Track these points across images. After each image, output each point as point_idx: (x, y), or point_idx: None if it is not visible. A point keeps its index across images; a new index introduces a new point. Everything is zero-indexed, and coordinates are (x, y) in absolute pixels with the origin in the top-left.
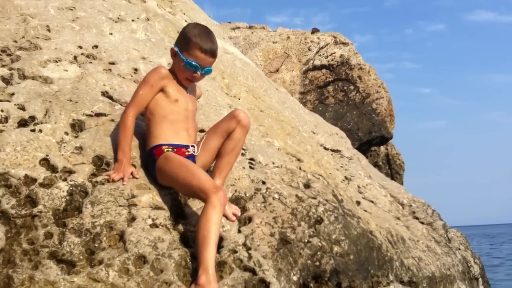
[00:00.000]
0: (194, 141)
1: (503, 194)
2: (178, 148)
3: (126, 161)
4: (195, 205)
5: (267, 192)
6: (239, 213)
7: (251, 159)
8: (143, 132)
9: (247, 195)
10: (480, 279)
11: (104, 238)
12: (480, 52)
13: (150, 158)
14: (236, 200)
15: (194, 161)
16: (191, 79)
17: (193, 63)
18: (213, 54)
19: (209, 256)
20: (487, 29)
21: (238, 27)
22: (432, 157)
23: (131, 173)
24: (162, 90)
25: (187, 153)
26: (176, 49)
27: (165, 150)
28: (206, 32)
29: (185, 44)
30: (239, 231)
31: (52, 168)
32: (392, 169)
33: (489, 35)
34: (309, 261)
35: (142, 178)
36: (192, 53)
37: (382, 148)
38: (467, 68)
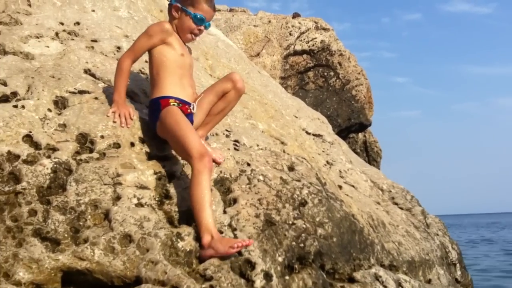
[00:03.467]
0: (194, 99)
1: (474, 184)
2: (184, 104)
3: (122, 101)
4: (180, 185)
5: (252, 174)
6: (223, 158)
7: (236, 141)
8: None
9: (232, 176)
10: (457, 265)
11: (89, 216)
12: (455, 43)
13: (154, 107)
14: (221, 181)
15: (192, 120)
16: (196, 34)
17: (202, 17)
18: (214, 8)
19: (207, 217)
20: (462, 20)
21: (219, 10)
22: (407, 146)
23: (129, 113)
24: (165, 43)
25: (189, 111)
26: (179, 5)
27: (172, 103)
28: None
29: None
30: (225, 212)
31: (36, 145)
32: (369, 156)
33: (464, 26)
34: (293, 243)
35: (127, 157)
36: (198, 6)
37: (360, 135)
38: (442, 58)
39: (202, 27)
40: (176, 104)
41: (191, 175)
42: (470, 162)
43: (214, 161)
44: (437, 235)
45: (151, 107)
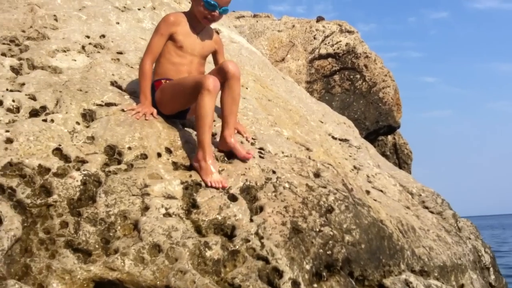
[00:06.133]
0: None
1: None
2: None
3: (148, 103)
4: (207, 194)
5: (278, 182)
6: (252, 153)
7: (261, 148)
8: None
9: (258, 184)
10: (491, 269)
11: (119, 227)
12: (484, 40)
13: (152, 91)
14: (247, 190)
15: (188, 110)
16: (211, 18)
17: (212, 2)
18: None
19: (205, 136)
20: (490, 17)
21: (243, 16)
22: (439, 147)
23: (152, 114)
24: (171, 36)
25: None
26: None
27: (164, 82)
28: None
29: None
30: (251, 220)
31: (65, 158)
32: (400, 158)
33: (493, 23)
34: (321, 250)
35: (154, 168)
36: None
37: (390, 137)
38: (471, 57)
39: (215, 13)
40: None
41: (199, 94)
42: (504, 162)
43: (244, 157)
44: (469, 238)
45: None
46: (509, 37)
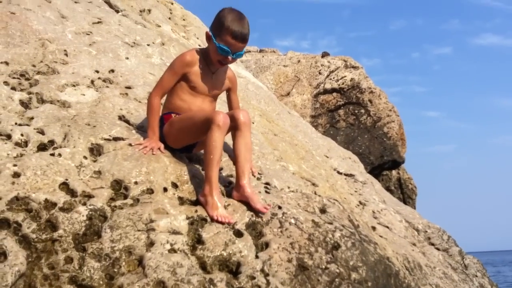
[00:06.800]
0: None
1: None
2: None
3: (156, 138)
4: (212, 229)
5: (284, 217)
6: (269, 208)
7: (267, 183)
8: None
9: (264, 220)
10: None
11: (123, 263)
12: (487, 76)
13: (160, 123)
14: (252, 225)
15: (195, 144)
16: (224, 62)
17: (225, 48)
18: (243, 39)
19: (213, 171)
20: (493, 53)
21: (249, 51)
22: (443, 181)
23: (159, 148)
24: (184, 75)
25: None
26: (210, 33)
27: (173, 116)
28: (238, 18)
29: (218, 29)
30: (257, 257)
31: (72, 192)
32: (404, 193)
33: (495, 59)
34: None
35: (160, 203)
36: (223, 38)
37: (394, 172)
38: (474, 92)
39: (228, 58)
40: None
41: (209, 130)
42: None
43: (259, 210)
44: (476, 276)
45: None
46: (511, 73)
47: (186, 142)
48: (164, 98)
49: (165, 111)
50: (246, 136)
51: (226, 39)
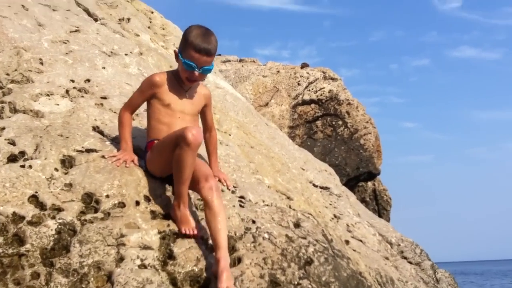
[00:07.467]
0: None
1: (489, 229)
2: None
3: (129, 149)
4: (184, 244)
5: (257, 232)
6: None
7: (241, 197)
8: None
9: (237, 234)
10: None
11: (92, 278)
12: (464, 88)
13: (145, 151)
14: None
15: None
16: (191, 78)
17: (189, 63)
18: (207, 53)
19: (182, 187)
20: (470, 65)
21: (229, 60)
22: (418, 192)
23: (132, 161)
24: (154, 96)
25: None
26: (177, 51)
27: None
28: (202, 33)
29: (183, 45)
30: None
31: (41, 206)
32: (379, 204)
33: (472, 71)
34: None
35: (131, 217)
36: (188, 53)
37: (370, 183)
38: (451, 103)
39: (195, 73)
40: None
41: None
42: (483, 207)
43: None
44: None
45: (144, 156)
46: (487, 86)
47: (167, 169)
48: (149, 128)
49: (148, 139)
50: (213, 207)
51: (190, 54)
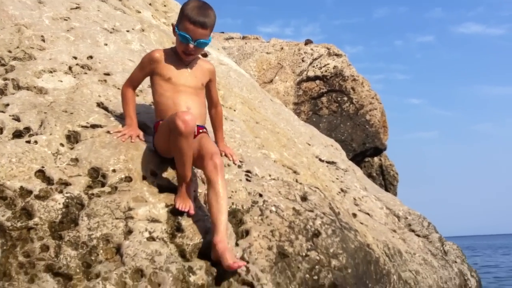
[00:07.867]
0: (196, 118)
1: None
2: None
3: (134, 125)
4: (192, 217)
5: (264, 205)
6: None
7: (248, 171)
8: None
9: (244, 207)
10: None
11: (101, 251)
12: (469, 64)
13: (154, 132)
14: (233, 213)
15: None
16: (187, 51)
17: (184, 35)
18: (202, 25)
19: (184, 171)
20: (475, 41)
21: (232, 38)
22: (425, 167)
23: (138, 136)
24: (155, 71)
25: None
26: (174, 24)
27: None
28: (199, 6)
29: (179, 18)
30: (237, 244)
31: (48, 180)
32: (386, 180)
33: (477, 47)
34: (307, 275)
35: (139, 190)
36: (183, 25)
37: (376, 159)
38: (456, 80)
39: (190, 46)
40: None
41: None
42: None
43: (228, 267)
44: (455, 262)
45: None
46: (493, 61)
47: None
48: (155, 105)
49: (156, 119)
50: (216, 187)
51: (185, 26)
